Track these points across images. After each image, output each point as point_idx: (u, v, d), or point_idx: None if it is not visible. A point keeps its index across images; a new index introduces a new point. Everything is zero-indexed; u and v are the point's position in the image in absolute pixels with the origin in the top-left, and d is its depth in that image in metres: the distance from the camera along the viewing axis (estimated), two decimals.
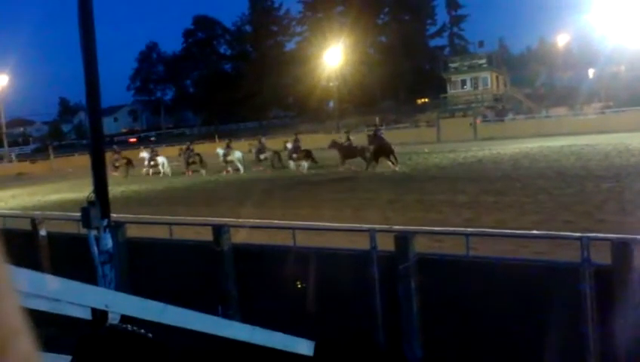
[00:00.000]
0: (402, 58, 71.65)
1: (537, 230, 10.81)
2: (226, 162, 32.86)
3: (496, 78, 63.59)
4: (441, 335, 7.44)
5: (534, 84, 67.75)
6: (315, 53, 67.92)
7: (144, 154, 37.35)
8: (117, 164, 36.30)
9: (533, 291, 6.91)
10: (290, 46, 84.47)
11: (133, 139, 77.62)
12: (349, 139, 29.76)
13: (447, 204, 15.42)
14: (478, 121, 48.40)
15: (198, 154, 34.88)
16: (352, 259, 8.33)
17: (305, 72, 70.44)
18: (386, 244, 7.93)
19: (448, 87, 64.83)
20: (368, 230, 8.06)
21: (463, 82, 63.77)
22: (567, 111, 49.05)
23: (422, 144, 40.62)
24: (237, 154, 32.58)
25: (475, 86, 62.72)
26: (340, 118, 62.20)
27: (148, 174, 35.51)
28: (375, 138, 27.43)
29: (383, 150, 26.21)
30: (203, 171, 32.77)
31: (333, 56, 63.31)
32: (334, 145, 29.43)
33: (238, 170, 31.79)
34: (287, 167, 30.25)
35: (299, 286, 8.25)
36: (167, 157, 36.41)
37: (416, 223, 12.65)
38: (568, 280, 6.66)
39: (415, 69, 74.45)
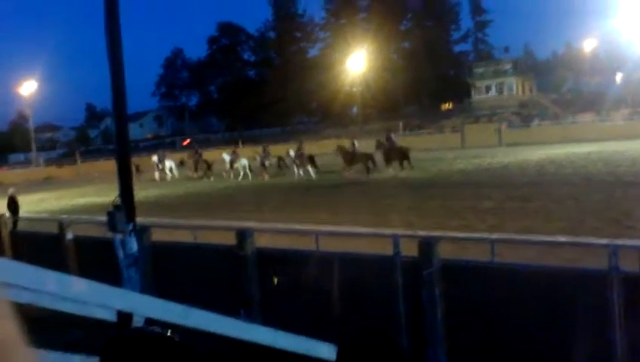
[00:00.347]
0: (426, 64, 71.37)
1: (564, 237, 10.65)
2: (232, 168, 33.65)
3: (522, 83, 62.99)
4: (465, 342, 7.36)
5: (561, 89, 66.89)
6: (339, 59, 68.03)
7: (154, 159, 37.64)
8: (235, 166, 34.80)
9: (560, 298, 6.80)
10: (314, 52, 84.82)
11: (186, 142, 78.10)
12: (353, 145, 30.18)
13: (472, 210, 15.29)
14: (504, 126, 47.94)
15: (206, 161, 35.48)
16: (375, 264, 8.30)
17: (328, 77, 70.56)
18: (409, 250, 7.89)
19: (473, 93, 64.39)
20: (392, 235, 8.02)
21: (488, 88, 63.29)
22: (594, 117, 48.31)
23: (446, 150, 40.36)
24: (243, 162, 33.41)
25: (500, 91, 62.20)
26: (363, 123, 62.18)
27: (154, 179, 35.97)
28: (386, 143, 28.37)
29: (394, 154, 27.07)
30: (211, 178, 33.79)
31: (357, 62, 63.36)
32: (339, 150, 29.85)
33: (245, 175, 32.52)
34: (292, 173, 30.77)
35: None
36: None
37: (440, 229, 12.56)
38: (596, 288, 6.54)
39: (439, 74, 74.10)
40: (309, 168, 29.54)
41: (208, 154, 41.67)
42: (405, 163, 26.94)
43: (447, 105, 72.47)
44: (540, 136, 42.00)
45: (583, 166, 23.78)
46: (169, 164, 36.54)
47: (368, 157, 27.61)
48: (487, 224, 13.14)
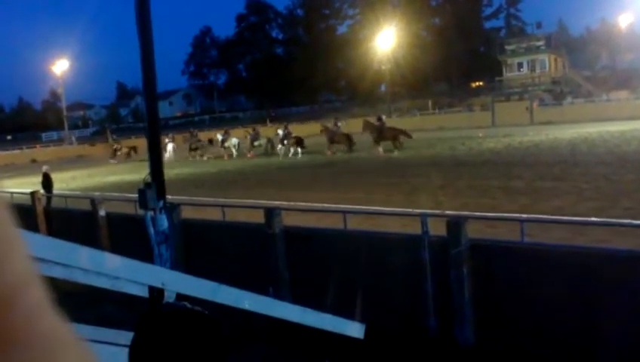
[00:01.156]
0: (456, 40, 70.18)
1: (596, 217, 10.47)
2: (224, 147, 35.61)
3: (555, 60, 61.52)
4: (493, 322, 7.33)
5: (594, 66, 65.25)
6: (368, 36, 67.33)
7: (219, 136, 38.06)
8: (226, 145, 36.68)
9: (591, 279, 6.71)
10: (342, 29, 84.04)
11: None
12: (336, 125, 32.84)
13: (502, 190, 15.12)
14: (535, 104, 47.06)
15: (200, 140, 38.05)
16: (403, 243, 8.28)
17: (357, 55, 69.96)
18: (438, 229, 7.84)
19: (504, 70, 63.15)
20: (420, 214, 7.98)
21: (520, 65, 61.98)
22: (628, 95, 47.06)
23: (476, 128, 39.86)
24: (233, 141, 35.82)
25: (532, 69, 60.86)
26: (392, 101, 61.64)
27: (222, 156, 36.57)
28: (377, 124, 30.17)
29: (383, 135, 29.09)
30: (205, 157, 35.77)
31: (386, 39, 62.65)
32: (324, 129, 32.36)
33: (231, 155, 34.90)
34: (278, 153, 32.49)
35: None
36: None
37: (469, 209, 12.45)
38: (628, 269, 6.43)
39: (469, 51, 72.82)
40: (297, 149, 31.37)
41: (237, 133, 42.19)
42: (396, 142, 28.72)
43: (477, 83, 71.38)
44: (573, 115, 41.13)
45: (616, 145, 23.26)
46: (234, 141, 37.10)
47: (348, 137, 30.72)
48: (517, 204, 12.98)
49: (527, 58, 61.50)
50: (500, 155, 23.64)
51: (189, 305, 1.29)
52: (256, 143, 35.70)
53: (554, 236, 8.62)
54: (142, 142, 38.84)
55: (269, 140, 35.48)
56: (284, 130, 33.08)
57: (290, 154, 31.17)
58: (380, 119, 31.07)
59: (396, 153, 27.68)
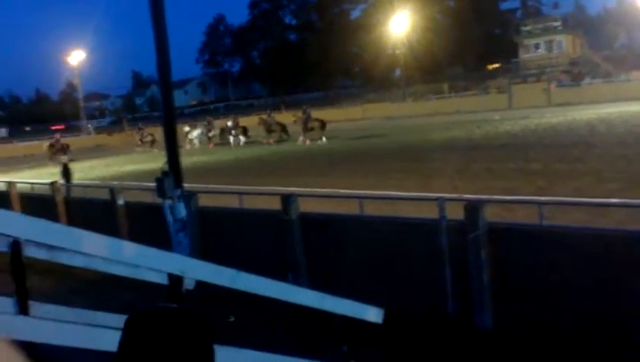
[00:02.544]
0: (471, 23, 69.41)
1: (616, 198, 10.36)
2: (188, 139, 38.66)
3: (572, 40, 60.63)
4: (513, 307, 7.30)
5: (613, 46, 64.18)
6: (381, 20, 66.80)
7: (230, 124, 39.16)
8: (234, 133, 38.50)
9: (612, 262, 6.64)
10: (356, 14, 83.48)
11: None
12: (269, 116, 37.72)
13: (519, 173, 15.01)
14: (553, 86, 46.47)
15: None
16: (420, 228, 8.25)
17: (371, 39, 69.52)
18: (455, 214, 7.81)
19: (520, 52, 62.40)
20: (437, 199, 7.94)
21: (537, 46, 61.19)
22: None
23: (492, 111, 39.52)
24: (195, 133, 39.83)
25: (549, 49, 60.06)
26: (406, 86, 61.23)
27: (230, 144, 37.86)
28: (303, 116, 33.31)
29: (308, 127, 32.44)
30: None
31: (400, 23, 62.11)
32: (261, 121, 37.59)
33: (194, 145, 38.37)
34: (229, 142, 37.11)
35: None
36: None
37: (486, 192, 12.38)
38: None
39: (485, 33, 72.01)
40: (242, 137, 36.56)
41: (248, 120, 42.74)
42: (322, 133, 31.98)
43: (493, 66, 70.63)
44: (591, 95, 40.58)
45: (635, 125, 22.93)
46: (196, 133, 40.08)
47: (282, 127, 35.40)
48: (535, 186, 12.88)
49: (544, 39, 60.69)
50: (517, 138, 23.43)
51: (174, 305, 1.30)
52: (210, 134, 39.57)
53: (573, 218, 8.55)
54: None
55: (222, 130, 39.24)
56: (232, 122, 38.09)
57: (240, 143, 36.04)
58: (305, 112, 34.01)
59: (324, 140, 31.04)
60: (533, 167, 15.52)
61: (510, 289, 7.34)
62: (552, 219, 8.04)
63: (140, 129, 43.96)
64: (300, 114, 34.47)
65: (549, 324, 6.99)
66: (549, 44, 60.33)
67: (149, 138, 40.63)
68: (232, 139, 36.93)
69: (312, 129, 32.24)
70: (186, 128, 39.47)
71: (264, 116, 38.57)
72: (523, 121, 30.23)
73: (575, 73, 53.66)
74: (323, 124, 32.34)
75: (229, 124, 38.13)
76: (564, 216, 8.68)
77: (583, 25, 65.11)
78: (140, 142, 41.48)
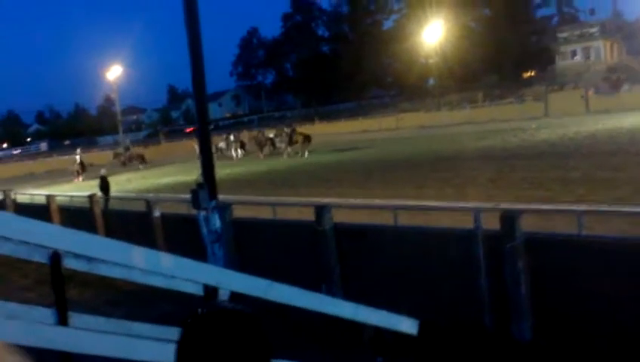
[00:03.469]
0: (506, 30, 68.56)
1: None
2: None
3: (610, 46, 59.48)
4: (551, 317, 7.15)
5: None
6: (414, 30, 66.54)
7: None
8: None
9: None
10: (388, 24, 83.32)
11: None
12: (260, 132, 40.96)
13: (557, 181, 14.72)
14: (591, 93, 45.55)
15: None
16: (455, 238, 8.16)
17: (404, 49, 69.31)
18: (491, 224, 7.70)
19: (557, 59, 61.48)
20: (473, 209, 7.85)
21: (573, 53, 60.21)
22: None
23: (528, 120, 38.91)
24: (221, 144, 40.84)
25: (586, 56, 59.02)
26: (440, 95, 60.80)
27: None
28: (288, 131, 35.97)
29: (292, 139, 34.62)
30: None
31: (433, 32, 61.79)
32: (254, 137, 41.07)
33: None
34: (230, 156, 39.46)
35: None
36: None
37: (523, 201, 12.19)
38: None
39: (520, 41, 70.99)
40: (240, 150, 39.59)
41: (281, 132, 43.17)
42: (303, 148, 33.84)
43: (529, 73, 69.62)
44: (630, 102, 39.53)
45: None
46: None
47: (270, 141, 38.27)
48: (574, 195, 12.62)
49: (581, 45, 59.68)
50: (555, 146, 23.02)
51: (231, 305, 1.32)
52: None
53: (613, 228, 8.34)
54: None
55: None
56: (234, 137, 41.28)
57: (238, 156, 38.78)
58: (289, 126, 37.58)
59: (306, 155, 32.97)
60: (572, 176, 15.22)
61: (549, 300, 7.19)
62: (592, 229, 7.86)
63: (258, 133, 44.66)
64: (285, 129, 37.31)
65: (589, 336, 6.82)
66: (587, 50, 59.30)
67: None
68: (233, 152, 39.53)
69: (296, 142, 34.37)
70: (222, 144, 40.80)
71: (254, 133, 42.69)
72: (560, 130, 29.70)
73: (613, 80, 52.51)
74: (306, 138, 34.26)
75: (231, 137, 40.88)
76: (604, 225, 8.47)
77: (620, 31, 63.78)
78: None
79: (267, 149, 38.10)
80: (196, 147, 38.72)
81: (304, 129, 46.48)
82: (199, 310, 1.31)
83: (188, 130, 70.39)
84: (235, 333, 1.23)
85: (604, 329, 6.75)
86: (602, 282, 6.72)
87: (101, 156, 52.48)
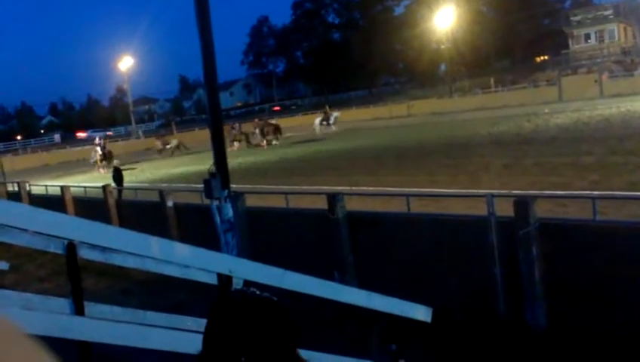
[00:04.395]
0: (518, 14, 67.83)
1: None
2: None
3: (624, 29, 58.56)
4: (566, 304, 7.12)
5: None
6: (426, 15, 65.97)
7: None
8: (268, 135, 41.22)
9: None
10: (399, 10, 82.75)
11: (276, 108, 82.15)
12: (233, 126, 40.65)
13: (571, 167, 14.61)
14: (604, 76, 45.01)
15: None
16: (468, 225, 8.13)
17: (415, 36, 68.81)
18: (505, 210, 7.66)
19: (570, 43, 60.63)
20: (485, 195, 7.81)
21: (587, 36, 59.35)
22: None
23: (542, 104, 38.58)
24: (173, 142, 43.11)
25: (600, 39, 58.17)
26: (452, 81, 60.35)
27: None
28: (260, 122, 39.66)
29: (264, 131, 37.49)
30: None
31: (444, 18, 61.22)
32: (229, 132, 39.47)
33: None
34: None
35: None
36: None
37: (536, 188, 12.11)
38: None
39: (533, 25, 70.25)
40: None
41: (294, 120, 42.93)
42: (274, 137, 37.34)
43: (541, 58, 68.88)
44: None
45: None
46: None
47: (246, 135, 39.45)
48: (588, 180, 12.52)
49: (595, 29, 58.82)
50: (569, 131, 22.81)
51: (257, 292, 1.32)
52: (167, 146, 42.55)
53: (628, 213, 8.27)
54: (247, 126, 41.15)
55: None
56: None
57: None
58: (261, 119, 40.47)
59: (277, 142, 36.23)
60: (586, 161, 15.09)
61: (563, 287, 7.16)
62: (606, 214, 7.80)
63: (232, 128, 44.55)
64: (258, 121, 40.60)
65: (606, 322, 6.79)
66: (600, 33, 58.46)
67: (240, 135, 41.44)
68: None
69: (267, 133, 37.46)
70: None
71: (228, 126, 42.20)
72: (574, 114, 29.42)
73: (628, 63, 51.84)
74: (276, 128, 37.84)
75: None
76: (619, 210, 8.41)
77: (635, 13, 62.80)
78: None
79: (239, 144, 38.51)
80: (158, 143, 40.70)
81: (315, 116, 46.67)
82: (224, 297, 1.32)
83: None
84: (264, 321, 1.24)
85: (619, 316, 6.71)
86: (617, 268, 6.68)
87: (115, 147, 52.70)
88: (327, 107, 44.70)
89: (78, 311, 2.70)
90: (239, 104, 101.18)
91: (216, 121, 9.63)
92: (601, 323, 6.82)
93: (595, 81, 43.51)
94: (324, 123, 41.26)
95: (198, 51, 9.14)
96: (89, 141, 41.84)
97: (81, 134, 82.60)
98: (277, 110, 79.97)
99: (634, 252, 6.62)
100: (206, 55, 9.12)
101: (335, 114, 42.27)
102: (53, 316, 2.52)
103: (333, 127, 40.64)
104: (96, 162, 35.47)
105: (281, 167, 24.21)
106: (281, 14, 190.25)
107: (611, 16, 58.20)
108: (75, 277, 2.74)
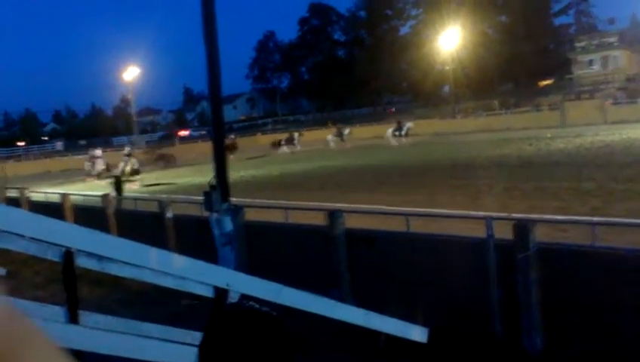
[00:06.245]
0: (523, 38, 68.28)
1: None
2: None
3: (629, 56, 58.92)
4: (564, 329, 7.08)
5: None
6: (431, 36, 66.49)
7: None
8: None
9: None
10: (405, 30, 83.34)
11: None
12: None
13: (572, 192, 14.60)
14: (608, 103, 45.15)
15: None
16: (467, 246, 8.11)
17: (420, 56, 69.20)
18: (504, 233, 7.65)
19: (574, 68, 60.98)
20: (485, 217, 7.80)
21: (591, 62, 59.70)
22: None
23: (544, 128, 38.65)
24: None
25: (604, 66, 58.49)
26: (456, 102, 60.57)
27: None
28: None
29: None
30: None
31: (450, 39, 61.64)
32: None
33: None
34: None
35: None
36: None
37: (537, 212, 12.09)
38: None
39: (537, 49, 70.63)
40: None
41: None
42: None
43: (545, 82, 69.17)
44: None
45: None
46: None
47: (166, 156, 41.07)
48: (588, 206, 12.51)
49: (599, 55, 59.21)
50: (571, 156, 22.84)
51: (256, 306, 1.31)
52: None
53: (628, 240, 8.24)
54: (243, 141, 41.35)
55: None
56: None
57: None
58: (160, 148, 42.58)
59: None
60: (587, 187, 15.08)
61: (561, 312, 7.13)
62: (606, 241, 7.78)
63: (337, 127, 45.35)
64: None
65: (603, 348, 6.74)
66: (605, 60, 58.80)
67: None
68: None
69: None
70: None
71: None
72: (577, 139, 29.47)
73: (631, 90, 52.04)
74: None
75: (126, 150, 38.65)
76: (619, 237, 8.38)
77: (639, 41, 63.22)
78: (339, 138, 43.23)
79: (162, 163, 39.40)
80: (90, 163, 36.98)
81: (316, 133, 47.47)
82: (221, 310, 1.32)
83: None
84: (260, 335, 1.23)
85: (618, 342, 6.67)
86: (617, 294, 6.65)
87: (117, 156, 52.82)
88: (399, 121, 44.08)
89: (73, 319, 2.68)
90: (243, 118, 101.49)
91: (218, 134, 9.66)
92: (598, 348, 6.78)
93: (599, 107, 43.66)
94: (397, 133, 40.89)
95: (203, 63, 9.20)
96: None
97: (183, 133, 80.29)
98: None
99: (633, 278, 6.60)
100: (211, 68, 9.17)
101: (408, 124, 41.92)
102: (48, 324, 2.51)
103: (404, 139, 40.09)
104: (99, 174, 34.07)
105: (281, 182, 24.24)
106: (288, 30, 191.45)
107: (616, 43, 58.58)
108: (70, 286, 2.73)
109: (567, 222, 10.44)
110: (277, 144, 44.97)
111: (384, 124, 58.05)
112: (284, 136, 47.30)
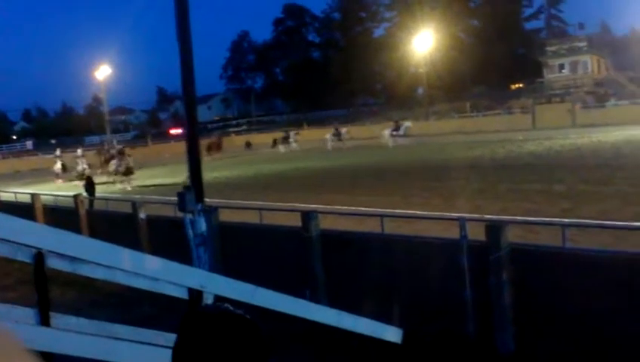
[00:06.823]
0: (495, 42, 69.14)
1: None
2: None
3: (598, 61, 60.11)
4: (534, 329, 7.18)
5: (639, 67, 63.39)
6: (405, 39, 66.91)
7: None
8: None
9: (637, 286, 6.51)
10: (379, 32, 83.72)
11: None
12: (104, 147, 39.30)
13: (543, 194, 14.83)
14: (577, 106, 45.99)
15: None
16: (441, 247, 8.18)
17: (393, 58, 69.63)
18: (477, 234, 7.73)
19: (545, 72, 61.98)
20: (458, 218, 7.88)
21: (561, 66, 60.74)
22: None
23: (516, 131, 39.19)
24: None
25: (574, 70, 59.57)
26: (429, 104, 61.05)
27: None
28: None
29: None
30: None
31: (423, 42, 62.13)
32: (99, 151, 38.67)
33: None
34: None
35: None
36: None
37: (509, 213, 12.25)
38: None
39: (509, 53, 71.59)
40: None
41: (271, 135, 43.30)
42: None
43: (517, 85, 70.14)
44: (617, 117, 39.98)
45: None
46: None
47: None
48: (559, 208, 12.71)
49: (569, 59, 60.26)
50: (541, 158, 23.20)
51: (230, 308, 1.31)
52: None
53: (597, 241, 8.40)
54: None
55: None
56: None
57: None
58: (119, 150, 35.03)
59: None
60: (558, 189, 15.33)
61: (533, 312, 7.23)
62: (576, 242, 7.92)
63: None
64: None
65: (574, 348, 6.86)
66: (574, 64, 59.87)
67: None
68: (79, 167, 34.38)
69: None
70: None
71: (99, 147, 39.81)
72: (547, 142, 29.95)
73: (600, 94, 53.10)
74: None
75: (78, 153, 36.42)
76: (589, 238, 8.54)
77: (608, 46, 64.52)
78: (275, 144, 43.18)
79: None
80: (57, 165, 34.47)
81: (315, 133, 48.27)
82: (196, 312, 1.31)
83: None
84: (234, 337, 1.22)
85: (588, 342, 6.79)
86: (587, 294, 6.77)
87: (88, 156, 52.10)
88: (398, 120, 43.54)
89: (44, 321, 2.64)
90: (217, 118, 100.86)
91: (192, 134, 9.59)
92: (569, 348, 6.89)
93: (569, 111, 44.42)
94: (394, 133, 40.63)
95: (177, 63, 9.12)
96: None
97: (175, 131, 75.97)
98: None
99: (602, 279, 6.72)
100: (185, 68, 9.10)
101: (406, 124, 41.73)
102: (18, 326, 2.46)
103: (399, 140, 39.50)
104: (81, 174, 31.34)
105: (255, 183, 24.15)
106: (262, 30, 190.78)
107: (585, 48, 59.71)
108: (42, 287, 2.68)
109: (538, 223, 10.60)
110: (275, 143, 44.98)
111: (358, 126, 58.35)
112: (279, 135, 47.05)
